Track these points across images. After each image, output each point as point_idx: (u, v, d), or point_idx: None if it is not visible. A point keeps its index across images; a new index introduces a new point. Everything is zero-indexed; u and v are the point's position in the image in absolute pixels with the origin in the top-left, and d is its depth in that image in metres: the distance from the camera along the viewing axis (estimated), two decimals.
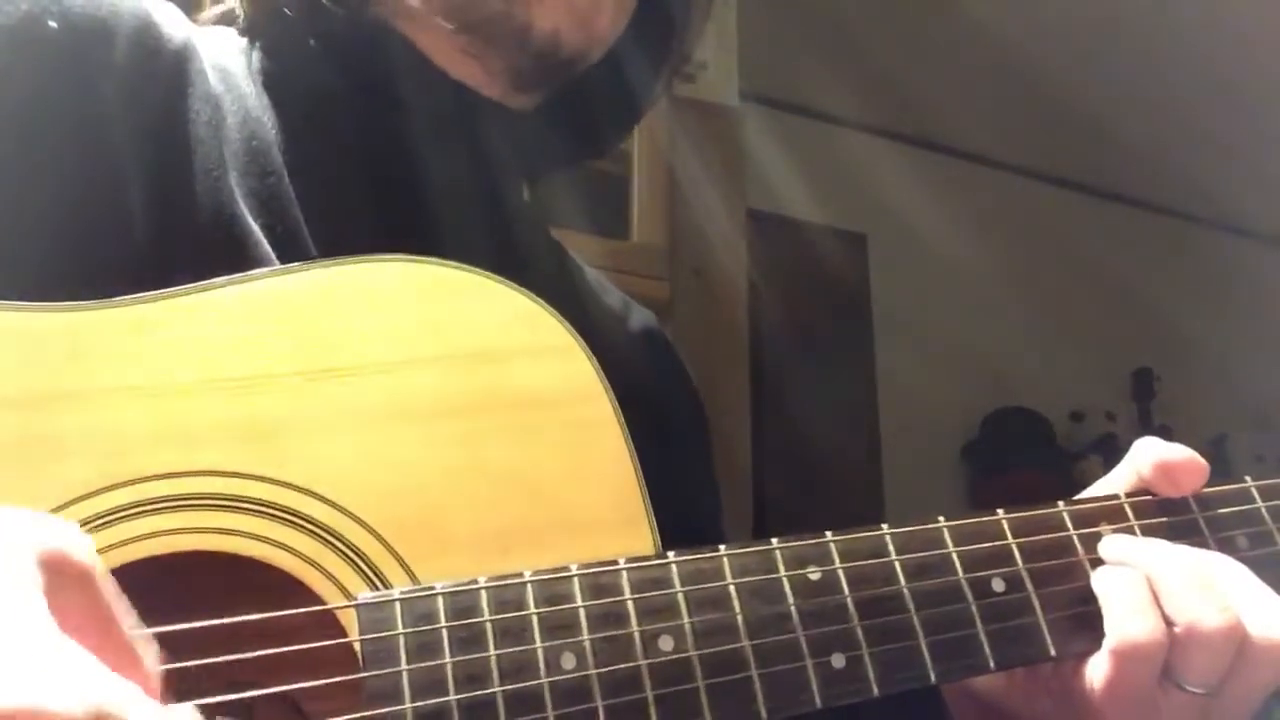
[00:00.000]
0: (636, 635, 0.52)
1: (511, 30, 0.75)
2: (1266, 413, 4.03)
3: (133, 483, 0.53)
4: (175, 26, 0.71)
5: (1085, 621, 0.59)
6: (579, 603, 0.53)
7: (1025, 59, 3.61)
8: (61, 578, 0.40)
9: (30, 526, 0.41)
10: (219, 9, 0.84)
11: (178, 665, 0.47)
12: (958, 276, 3.81)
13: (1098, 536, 0.62)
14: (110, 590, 0.42)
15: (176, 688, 0.46)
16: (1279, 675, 0.58)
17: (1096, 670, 0.59)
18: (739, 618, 0.54)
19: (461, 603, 0.52)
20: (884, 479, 3.71)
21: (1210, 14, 3.44)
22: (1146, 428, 4.00)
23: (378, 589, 0.54)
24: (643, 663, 0.52)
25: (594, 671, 0.51)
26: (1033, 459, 3.84)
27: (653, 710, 0.51)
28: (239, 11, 0.81)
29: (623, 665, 0.52)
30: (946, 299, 3.87)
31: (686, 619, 0.53)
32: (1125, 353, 4.29)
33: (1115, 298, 4.22)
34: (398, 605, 0.51)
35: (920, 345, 3.75)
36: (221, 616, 0.49)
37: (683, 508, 0.66)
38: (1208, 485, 0.65)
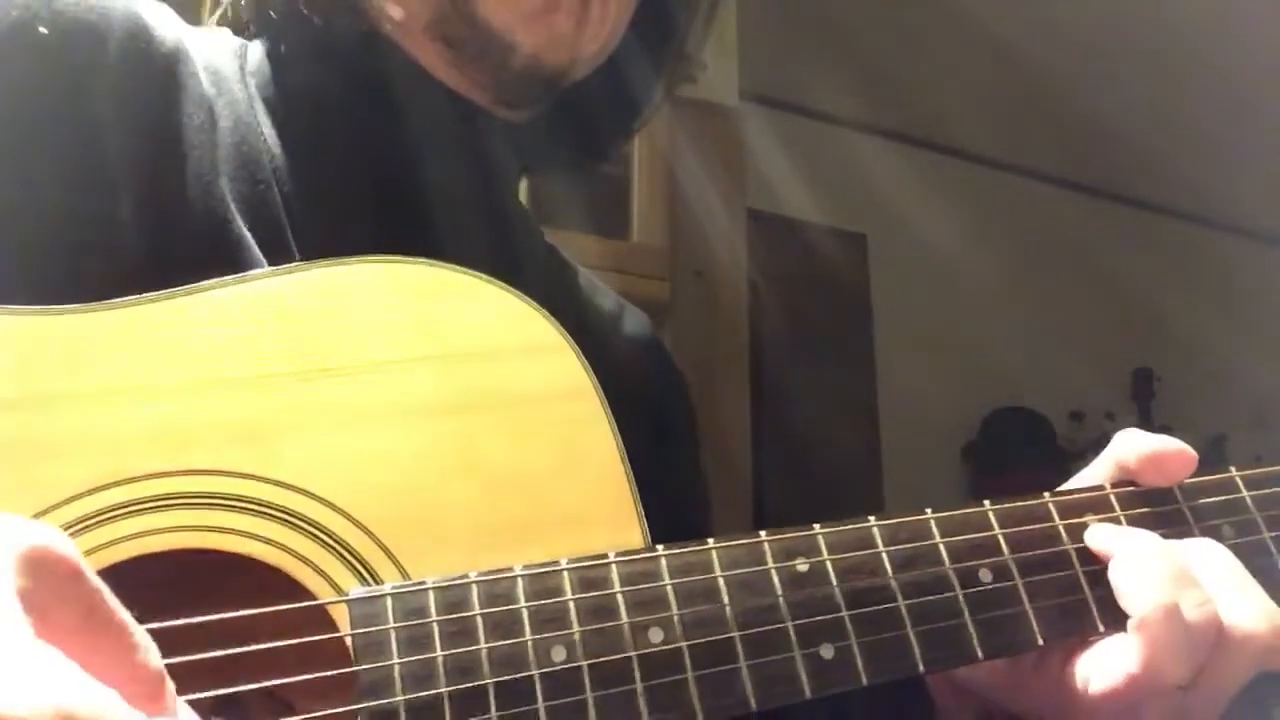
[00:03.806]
0: (626, 627, 0.53)
1: (493, 50, 0.75)
2: (1266, 413, 4.03)
3: (127, 482, 0.53)
4: (167, 28, 0.71)
5: (1072, 610, 0.59)
6: (569, 596, 0.53)
7: (1026, 59, 3.61)
8: (44, 577, 0.39)
9: (6, 530, 0.40)
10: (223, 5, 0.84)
11: (170, 662, 0.47)
12: (958, 276, 3.81)
13: (1084, 527, 0.62)
14: (96, 583, 0.41)
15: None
16: (1255, 666, 0.58)
17: (1107, 661, 0.58)
18: (728, 609, 0.54)
19: (452, 597, 0.52)
20: (884, 479, 3.71)
21: (1210, 14, 3.44)
22: (1146, 428, 3.96)
23: (370, 585, 0.54)
24: (632, 654, 0.52)
25: (584, 663, 0.51)
26: (1033, 459, 3.85)
27: (642, 701, 0.51)
28: (243, 12, 0.81)
29: (612, 657, 0.52)
30: (946, 299, 3.87)
31: (675, 611, 0.54)
32: (1125, 353, 4.30)
33: (1115, 298, 4.23)
34: (389, 600, 0.52)
35: (920, 345, 3.75)
36: (214, 614, 0.49)
37: (672, 504, 0.67)
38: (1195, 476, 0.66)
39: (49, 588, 0.39)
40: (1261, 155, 3.86)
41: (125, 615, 0.41)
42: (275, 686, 0.50)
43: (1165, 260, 4.31)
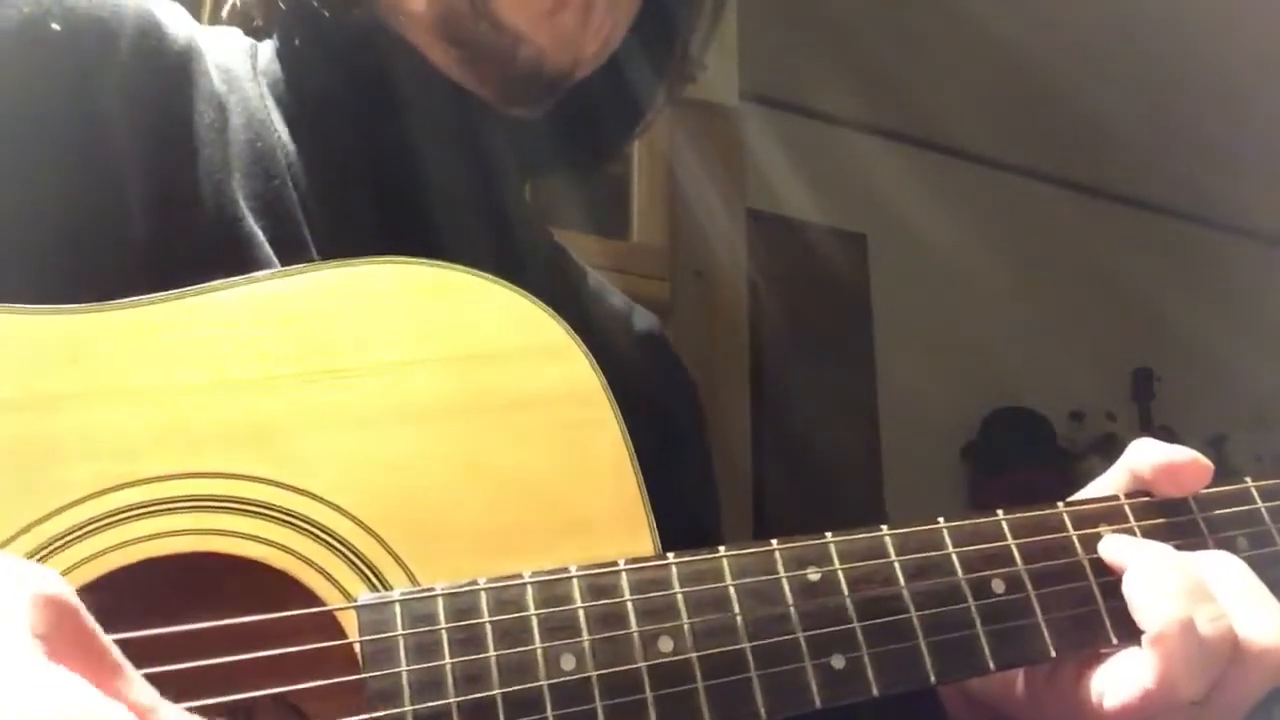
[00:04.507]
0: (636, 636, 0.52)
1: (498, 50, 0.75)
2: (1266, 413, 4.03)
3: (133, 485, 0.53)
4: (179, 26, 0.71)
5: (1085, 622, 0.59)
6: (578, 604, 0.53)
7: (1026, 59, 3.62)
8: (53, 618, 0.40)
9: (18, 572, 0.41)
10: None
11: (177, 668, 0.47)
12: (958, 276, 3.82)
13: (1097, 537, 0.61)
14: (91, 623, 0.42)
15: (176, 691, 0.46)
16: (1270, 680, 0.58)
17: (1121, 675, 0.58)
18: (738, 619, 0.54)
19: (461, 604, 0.52)
20: (884, 479, 3.72)
21: (1211, 14, 3.44)
22: (1146, 428, 4.00)
23: (377, 590, 0.54)
24: (642, 664, 0.52)
25: (593, 673, 0.51)
26: (1033, 459, 3.85)
27: (652, 711, 0.51)
28: (255, 14, 0.81)
29: (622, 666, 0.51)
30: (946, 299, 3.88)
31: (686, 620, 0.53)
32: (1125, 353, 4.31)
33: (1115, 298, 4.24)
34: (397, 606, 0.51)
35: (920, 345, 3.76)
36: (221, 618, 0.49)
37: (683, 510, 0.66)
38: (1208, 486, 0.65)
39: (53, 626, 0.40)
40: (1261, 155, 3.87)
41: (117, 653, 0.42)
42: (284, 691, 0.50)
43: (1165, 260, 4.32)
